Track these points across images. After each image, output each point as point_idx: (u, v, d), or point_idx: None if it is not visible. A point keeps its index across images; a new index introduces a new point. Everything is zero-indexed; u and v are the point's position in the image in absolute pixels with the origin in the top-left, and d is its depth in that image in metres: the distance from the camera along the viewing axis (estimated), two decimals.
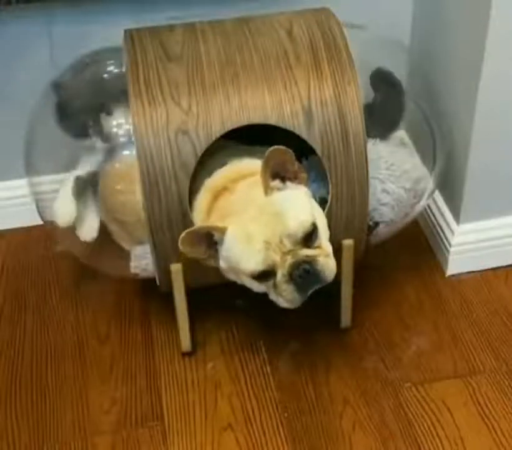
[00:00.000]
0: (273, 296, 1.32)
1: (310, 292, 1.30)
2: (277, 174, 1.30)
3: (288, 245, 1.26)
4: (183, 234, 1.27)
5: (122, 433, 1.45)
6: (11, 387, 1.53)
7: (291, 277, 1.27)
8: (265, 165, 1.27)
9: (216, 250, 1.32)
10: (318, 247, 1.29)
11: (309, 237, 1.28)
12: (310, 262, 1.27)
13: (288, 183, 1.32)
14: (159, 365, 1.56)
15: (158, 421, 1.47)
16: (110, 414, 1.48)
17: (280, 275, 1.28)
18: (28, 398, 1.51)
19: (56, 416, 1.48)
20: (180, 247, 1.28)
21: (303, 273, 1.27)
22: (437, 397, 1.49)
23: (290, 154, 1.28)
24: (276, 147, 1.26)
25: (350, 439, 1.43)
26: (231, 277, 1.35)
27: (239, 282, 1.35)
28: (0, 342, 1.61)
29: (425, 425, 1.45)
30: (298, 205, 1.30)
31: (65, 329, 1.63)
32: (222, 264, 1.32)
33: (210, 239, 1.30)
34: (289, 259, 1.27)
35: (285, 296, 1.30)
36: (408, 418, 1.46)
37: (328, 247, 1.31)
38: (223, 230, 1.29)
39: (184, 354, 1.56)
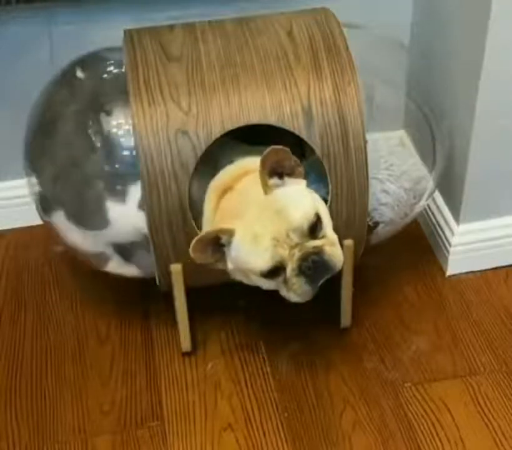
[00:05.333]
0: (283, 292, 1.32)
1: (320, 283, 1.30)
2: (275, 172, 1.31)
3: (295, 239, 1.27)
4: (193, 242, 1.28)
5: (122, 433, 1.45)
6: (11, 387, 1.53)
7: (301, 269, 1.28)
8: (262, 166, 1.28)
9: (223, 253, 1.32)
10: (323, 236, 1.30)
11: (314, 228, 1.29)
12: (318, 252, 1.28)
13: (287, 178, 1.32)
14: (159, 365, 1.56)
15: (158, 421, 1.47)
16: (110, 414, 1.48)
17: (290, 269, 1.28)
18: (28, 398, 1.51)
19: (56, 416, 1.48)
20: (192, 254, 1.29)
21: (312, 264, 1.28)
22: (437, 397, 1.49)
23: (285, 151, 1.29)
24: (272, 147, 1.27)
25: (350, 439, 1.43)
26: (239, 277, 1.35)
27: (246, 281, 1.35)
28: (0, 342, 1.61)
29: (425, 425, 1.45)
30: (299, 199, 1.31)
31: (65, 329, 1.63)
32: (230, 265, 1.33)
33: (217, 242, 1.31)
34: (297, 253, 1.27)
35: (296, 290, 1.30)
36: (408, 418, 1.46)
37: (333, 236, 1.32)
38: (231, 233, 1.29)
39: (184, 354, 1.56)
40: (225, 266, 1.33)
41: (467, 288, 1.69)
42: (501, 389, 1.50)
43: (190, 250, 1.28)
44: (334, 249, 1.30)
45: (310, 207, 1.30)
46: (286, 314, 1.60)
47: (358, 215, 1.42)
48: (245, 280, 1.35)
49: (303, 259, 1.28)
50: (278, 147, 1.28)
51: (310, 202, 1.31)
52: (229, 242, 1.30)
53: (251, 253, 1.28)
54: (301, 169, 1.33)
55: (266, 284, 1.32)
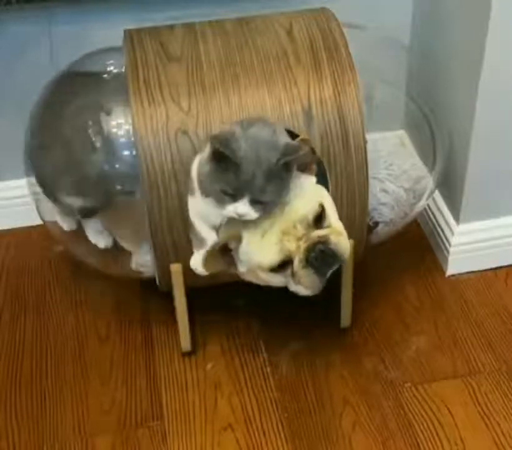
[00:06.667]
0: (292, 286, 1.32)
1: (328, 274, 1.30)
2: None
3: (301, 230, 1.27)
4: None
5: (122, 433, 1.45)
6: (11, 387, 1.53)
7: (308, 261, 1.28)
8: None
9: (232, 258, 1.32)
10: (329, 226, 1.30)
11: (319, 218, 1.29)
12: (323, 242, 1.28)
13: (298, 173, 1.32)
14: (159, 365, 1.55)
15: (158, 421, 1.47)
16: (110, 414, 1.48)
17: (297, 261, 1.28)
18: (28, 398, 1.51)
19: (56, 416, 1.48)
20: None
21: (319, 254, 1.28)
22: (437, 397, 1.49)
23: (309, 144, 1.29)
24: (301, 138, 1.27)
25: (350, 439, 1.43)
26: (249, 278, 1.35)
27: (256, 281, 1.34)
28: (0, 342, 1.61)
29: (425, 425, 1.45)
30: (304, 190, 1.32)
31: (65, 329, 1.63)
32: (241, 267, 1.33)
33: (225, 249, 1.31)
34: (303, 244, 1.28)
35: (304, 283, 1.30)
36: (408, 418, 1.46)
37: (339, 226, 1.32)
38: (238, 238, 1.30)
39: (184, 354, 1.56)
40: (236, 269, 1.34)
41: (467, 288, 1.69)
42: (501, 389, 1.50)
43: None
44: (340, 238, 1.30)
45: (314, 197, 1.31)
46: (286, 314, 1.60)
47: (358, 215, 1.42)
48: (255, 280, 1.35)
49: (310, 249, 1.28)
50: (305, 137, 1.28)
51: (316, 193, 1.32)
52: (237, 247, 1.31)
53: (260, 248, 1.28)
54: (314, 166, 1.34)
55: (276, 280, 1.32)
